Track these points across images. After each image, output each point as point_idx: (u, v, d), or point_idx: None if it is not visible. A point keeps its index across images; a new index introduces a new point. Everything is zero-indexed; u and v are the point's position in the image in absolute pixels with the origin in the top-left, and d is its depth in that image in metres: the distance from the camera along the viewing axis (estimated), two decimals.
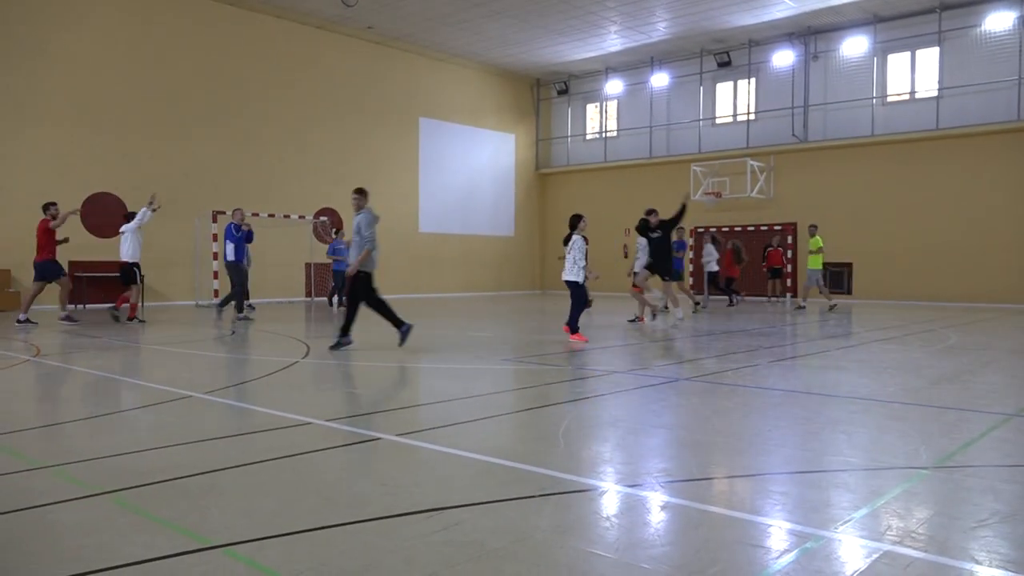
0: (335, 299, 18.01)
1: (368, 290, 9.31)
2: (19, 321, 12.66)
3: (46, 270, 12.68)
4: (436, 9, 20.17)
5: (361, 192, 9.39)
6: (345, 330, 9.23)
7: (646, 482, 3.82)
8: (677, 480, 3.86)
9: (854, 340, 10.97)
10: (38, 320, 13.44)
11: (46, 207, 12.73)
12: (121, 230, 13.42)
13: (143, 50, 18.26)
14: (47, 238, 12.55)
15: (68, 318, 13.17)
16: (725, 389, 6.69)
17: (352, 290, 9.41)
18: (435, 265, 24.98)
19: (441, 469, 4.11)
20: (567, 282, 10.49)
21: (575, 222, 10.64)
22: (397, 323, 9.45)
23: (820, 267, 17.37)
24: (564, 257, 10.59)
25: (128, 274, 13.24)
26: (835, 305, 18.18)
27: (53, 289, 13.57)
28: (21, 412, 5.83)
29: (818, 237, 17.48)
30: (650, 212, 13.26)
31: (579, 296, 10.45)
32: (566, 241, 10.63)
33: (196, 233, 18.84)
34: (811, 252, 17.50)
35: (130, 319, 13.26)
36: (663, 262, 13.10)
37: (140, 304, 13.62)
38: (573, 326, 10.32)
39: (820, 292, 17.94)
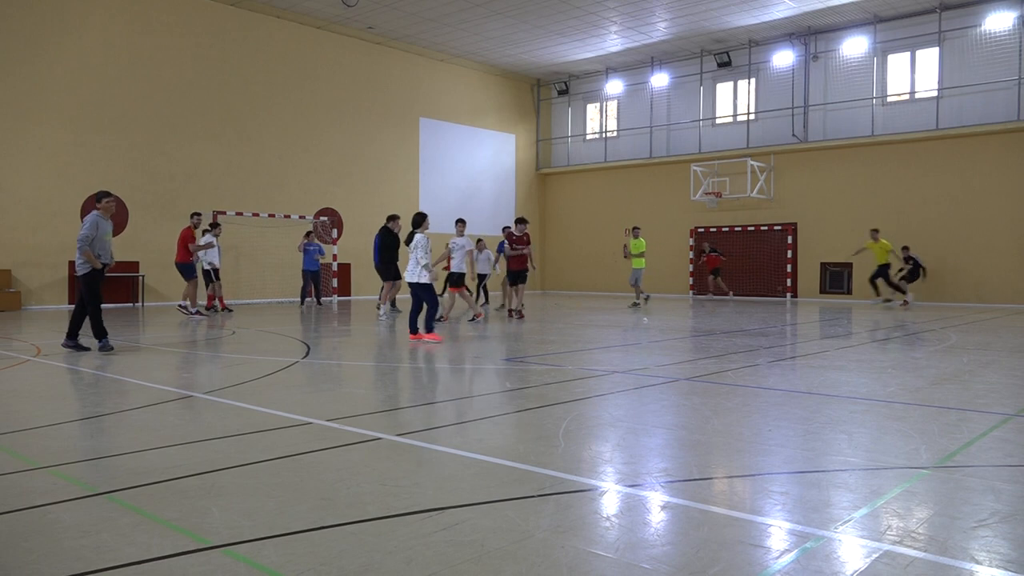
0: (316, 299, 18.52)
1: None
2: (189, 312, 14.83)
3: (182, 270, 15.09)
4: (436, 9, 20.17)
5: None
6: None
7: (646, 482, 3.81)
8: (677, 480, 3.86)
9: (854, 340, 10.97)
10: (36, 319, 13.44)
11: (192, 216, 15.39)
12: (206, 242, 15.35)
13: (144, 51, 18.26)
14: (184, 243, 14.97)
15: (197, 312, 15.04)
16: (725, 389, 6.69)
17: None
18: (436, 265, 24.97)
19: (441, 469, 4.11)
20: (411, 284, 10.29)
21: (419, 220, 10.42)
22: None
23: (642, 267, 18.25)
24: (419, 259, 10.31)
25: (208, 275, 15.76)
26: (636, 304, 18.40)
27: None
28: (21, 412, 5.83)
29: (642, 240, 18.22)
30: (392, 218, 14.04)
31: (430, 297, 10.29)
32: (409, 239, 10.40)
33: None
34: (634, 255, 18.09)
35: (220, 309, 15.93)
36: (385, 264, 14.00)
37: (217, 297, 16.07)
38: (428, 326, 10.25)
39: (638, 291, 18.57)
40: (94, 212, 9.13)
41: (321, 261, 18.45)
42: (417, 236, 10.23)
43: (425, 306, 10.41)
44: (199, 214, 15.55)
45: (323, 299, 19.34)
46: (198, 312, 15.02)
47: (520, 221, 14.50)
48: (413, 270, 10.21)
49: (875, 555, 2.83)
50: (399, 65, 23.59)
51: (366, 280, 21.87)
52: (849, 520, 3.21)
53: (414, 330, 10.34)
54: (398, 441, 4.64)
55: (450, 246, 13.28)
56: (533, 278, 28.56)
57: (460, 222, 13.26)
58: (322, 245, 18.71)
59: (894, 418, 5.38)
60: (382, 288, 14.78)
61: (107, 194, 9.28)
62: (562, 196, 28.36)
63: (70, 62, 17.16)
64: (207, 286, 15.87)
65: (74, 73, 17.23)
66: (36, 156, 16.78)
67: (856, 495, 3.59)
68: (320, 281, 18.31)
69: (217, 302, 15.94)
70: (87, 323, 9.30)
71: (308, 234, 18.38)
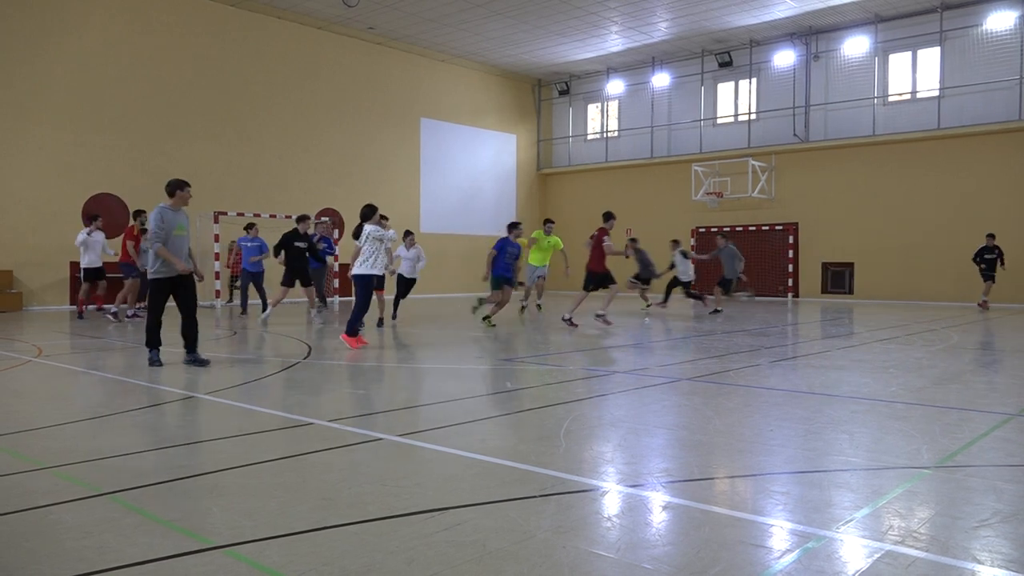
0: (262, 306, 14.61)
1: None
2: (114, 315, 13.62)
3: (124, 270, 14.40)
4: (437, 10, 20.17)
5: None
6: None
7: (648, 482, 3.81)
8: (679, 480, 3.86)
9: (855, 340, 10.96)
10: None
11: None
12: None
13: (144, 51, 18.27)
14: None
15: (135, 315, 14.40)
16: (726, 389, 6.68)
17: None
18: (437, 265, 24.92)
19: (443, 469, 4.11)
20: (355, 277, 9.65)
21: (369, 213, 9.80)
22: None
23: (540, 265, 15.69)
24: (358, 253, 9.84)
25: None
26: (525, 307, 16.14)
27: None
28: (23, 412, 5.83)
29: (555, 237, 15.68)
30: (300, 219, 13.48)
31: (366, 295, 9.64)
32: (356, 234, 10.03)
33: (197, 234, 18.83)
34: (540, 249, 15.51)
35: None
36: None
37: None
38: (352, 329, 9.50)
39: (529, 292, 16.33)
40: (160, 205, 7.78)
41: (261, 260, 15.25)
42: (367, 229, 9.73)
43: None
44: (254, 225, 15.23)
45: (326, 300, 18.42)
46: (135, 315, 14.00)
47: (608, 216, 12.87)
48: (362, 262, 9.69)
49: (877, 555, 2.83)
50: (400, 65, 23.59)
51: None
52: (851, 520, 3.21)
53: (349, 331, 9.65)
54: (399, 441, 4.65)
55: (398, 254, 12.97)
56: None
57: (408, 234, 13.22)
58: (264, 243, 15.29)
59: (895, 418, 5.38)
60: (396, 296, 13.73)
61: (181, 184, 7.86)
62: (563, 196, 28.36)
63: (70, 62, 17.17)
64: (90, 287, 14.28)
65: (74, 73, 17.24)
66: (37, 156, 16.79)
67: (858, 495, 3.59)
68: (261, 283, 14.99)
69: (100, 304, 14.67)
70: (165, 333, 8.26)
71: (249, 227, 15.38)
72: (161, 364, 7.86)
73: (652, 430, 5.06)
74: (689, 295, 17.36)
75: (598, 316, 12.83)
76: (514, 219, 27.52)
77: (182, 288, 7.84)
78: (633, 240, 17.11)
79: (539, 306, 16.70)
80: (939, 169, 20.22)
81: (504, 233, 13.16)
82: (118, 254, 13.95)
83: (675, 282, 17.48)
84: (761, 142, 23.27)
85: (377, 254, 9.73)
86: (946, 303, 19.72)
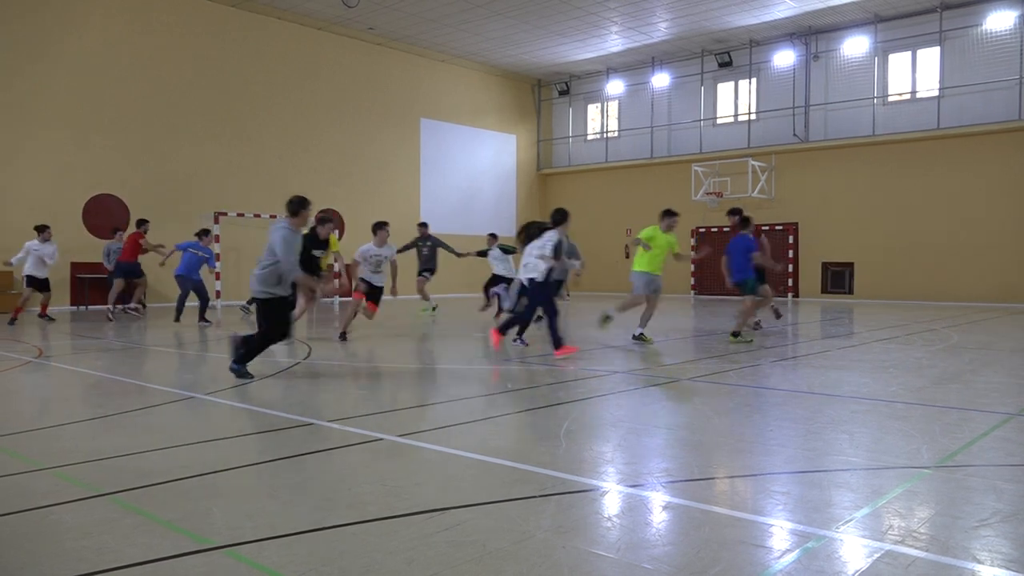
0: (200, 315, 13.52)
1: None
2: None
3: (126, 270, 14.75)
4: (437, 10, 20.17)
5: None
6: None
7: (648, 482, 3.81)
8: (679, 480, 3.86)
9: (855, 340, 10.96)
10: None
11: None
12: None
13: (144, 52, 18.27)
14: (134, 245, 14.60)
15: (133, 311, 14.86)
16: (727, 389, 6.68)
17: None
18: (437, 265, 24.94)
19: (443, 469, 4.11)
20: (536, 284, 8.78)
21: (561, 218, 8.98)
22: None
23: (655, 273, 11.97)
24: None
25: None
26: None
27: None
28: (23, 413, 5.84)
29: (674, 237, 13.87)
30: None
31: (552, 301, 8.92)
32: (530, 237, 9.13)
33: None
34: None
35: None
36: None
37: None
38: (557, 340, 8.68)
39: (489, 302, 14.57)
40: (282, 224, 7.14)
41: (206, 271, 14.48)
42: (549, 232, 8.86)
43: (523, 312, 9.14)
44: (147, 221, 14.88)
45: (322, 301, 18.74)
46: (131, 311, 14.98)
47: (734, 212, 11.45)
48: (534, 266, 8.75)
49: (877, 555, 2.83)
50: (400, 66, 23.59)
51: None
52: (851, 520, 3.21)
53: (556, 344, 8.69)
54: (399, 442, 4.65)
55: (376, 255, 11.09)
56: None
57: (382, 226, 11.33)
58: (212, 252, 14.62)
59: (895, 418, 5.38)
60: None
61: (305, 203, 7.25)
62: (563, 196, 28.33)
63: (70, 63, 17.17)
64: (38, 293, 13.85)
65: (74, 74, 17.24)
66: (37, 157, 16.79)
67: (858, 495, 3.59)
68: (204, 291, 13.70)
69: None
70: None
71: (205, 233, 14.08)
72: (251, 377, 7.05)
73: (652, 430, 5.06)
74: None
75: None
76: (515, 219, 27.58)
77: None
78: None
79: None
80: (939, 169, 20.22)
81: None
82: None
83: None
84: (761, 142, 23.27)
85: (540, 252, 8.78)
86: (946, 303, 19.72)
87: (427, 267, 15.81)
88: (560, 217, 8.99)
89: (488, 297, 14.44)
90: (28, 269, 13.50)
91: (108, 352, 9.41)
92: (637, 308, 10.64)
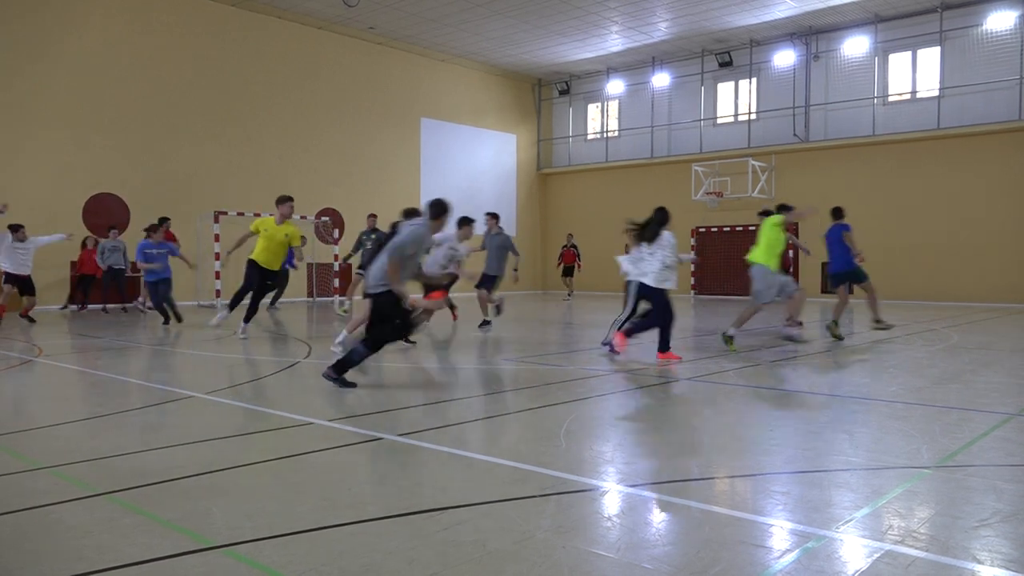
0: (164, 317, 13.22)
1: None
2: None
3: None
4: (437, 10, 20.17)
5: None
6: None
7: (648, 482, 3.81)
8: (679, 480, 3.86)
9: (855, 340, 10.96)
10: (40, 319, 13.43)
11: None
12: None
13: (144, 51, 18.27)
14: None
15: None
16: (726, 389, 6.68)
17: None
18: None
19: (442, 469, 4.11)
20: (654, 290, 8.39)
21: (664, 218, 8.58)
22: None
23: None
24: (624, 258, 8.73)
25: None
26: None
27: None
28: (23, 412, 5.84)
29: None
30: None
31: (669, 307, 8.47)
32: (650, 236, 8.55)
33: (198, 234, 18.85)
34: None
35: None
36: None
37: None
38: (666, 345, 8.40)
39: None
40: (421, 223, 6.74)
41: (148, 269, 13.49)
42: (664, 234, 8.57)
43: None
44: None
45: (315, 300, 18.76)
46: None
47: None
48: (659, 273, 8.41)
49: (877, 555, 2.83)
50: (400, 65, 23.59)
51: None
52: (851, 520, 3.21)
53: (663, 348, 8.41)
54: (399, 441, 4.64)
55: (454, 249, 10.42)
56: (533, 278, 28.62)
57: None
58: (175, 247, 14.33)
59: (895, 418, 5.37)
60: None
61: (447, 208, 6.81)
62: (563, 196, 28.36)
63: (70, 63, 17.17)
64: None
65: (74, 74, 17.23)
66: (37, 157, 16.79)
67: (857, 495, 3.59)
68: (164, 293, 13.27)
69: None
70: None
71: (153, 229, 13.85)
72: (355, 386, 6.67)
73: (652, 430, 5.06)
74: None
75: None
76: (515, 219, 27.59)
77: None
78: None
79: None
80: (939, 169, 20.21)
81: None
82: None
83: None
84: (761, 142, 23.27)
85: (671, 260, 8.46)
86: (946, 303, 19.71)
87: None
88: (663, 217, 8.54)
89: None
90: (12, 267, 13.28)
91: (108, 351, 9.41)
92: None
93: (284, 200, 10.51)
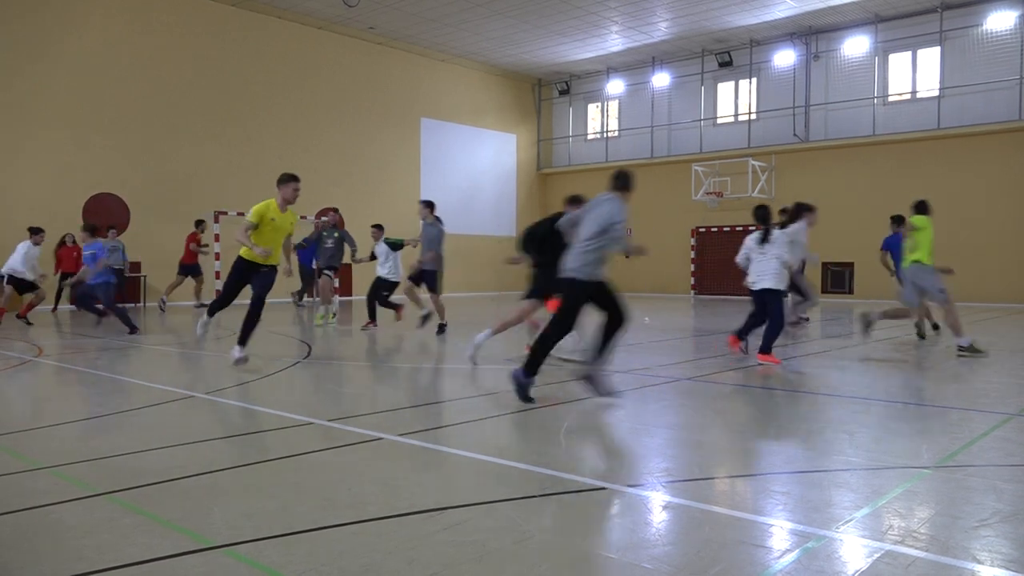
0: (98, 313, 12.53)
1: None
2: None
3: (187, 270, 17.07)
4: (437, 9, 20.17)
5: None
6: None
7: (648, 482, 3.81)
8: (679, 480, 3.86)
9: (855, 340, 10.96)
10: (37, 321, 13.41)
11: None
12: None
13: (144, 51, 18.27)
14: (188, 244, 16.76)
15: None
16: (727, 389, 6.68)
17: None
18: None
19: (442, 469, 4.11)
20: (768, 292, 8.17)
21: (766, 215, 8.24)
22: None
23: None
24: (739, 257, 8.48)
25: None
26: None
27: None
28: (23, 412, 5.84)
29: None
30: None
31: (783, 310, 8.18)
32: (766, 237, 8.21)
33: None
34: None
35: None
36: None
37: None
38: (769, 347, 8.15)
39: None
40: (614, 197, 6.09)
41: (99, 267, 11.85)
42: (794, 227, 8.29)
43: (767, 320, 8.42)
44: (203, 221, 17.05)
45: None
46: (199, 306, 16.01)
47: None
48: (775, 272, 8.15)
49: (877, 555, 2.83)
50: (400, 65, 23.59)
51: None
52: (851, 520, 3.21)
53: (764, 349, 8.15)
54: (399, 441, 4.64)
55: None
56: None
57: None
58: (122, 245, 14.64)
59: (895, 418, 5.37)
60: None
61: (628, 178, 6.21)
62: (563, 196, 28.32)
63: (70, 63, 17.17)
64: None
65: (74, 74, 17.23)
66: (37, 157, 16.79)
67: (857, 495, 3.59)
68: (107, 296, 11.93)
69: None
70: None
71: (95, 230, 12.38)
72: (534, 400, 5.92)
73: (652, 430, 5.06)
74: None
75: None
76: (515, 219, 27.59)
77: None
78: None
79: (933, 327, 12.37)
80: (939, 169, 20.20)
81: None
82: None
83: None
84: (761, 142, 23.27)
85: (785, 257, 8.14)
86: None
87: (330, 264, 13.14)
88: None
89: (373, 314, 12.14)
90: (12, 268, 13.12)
91: (107, 351, 9.41)
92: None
93: (288, 179, 7.93)
